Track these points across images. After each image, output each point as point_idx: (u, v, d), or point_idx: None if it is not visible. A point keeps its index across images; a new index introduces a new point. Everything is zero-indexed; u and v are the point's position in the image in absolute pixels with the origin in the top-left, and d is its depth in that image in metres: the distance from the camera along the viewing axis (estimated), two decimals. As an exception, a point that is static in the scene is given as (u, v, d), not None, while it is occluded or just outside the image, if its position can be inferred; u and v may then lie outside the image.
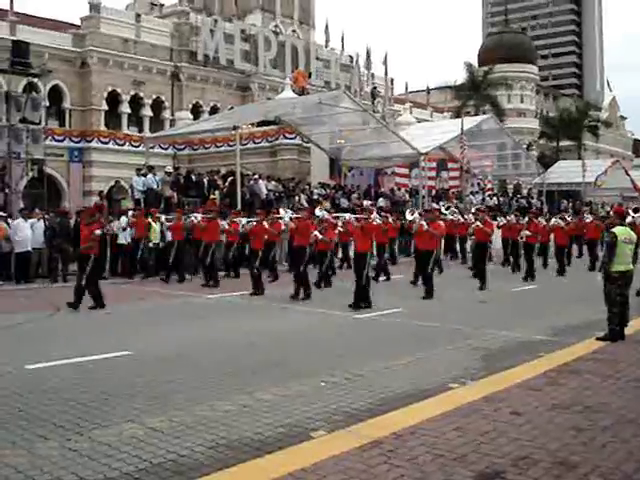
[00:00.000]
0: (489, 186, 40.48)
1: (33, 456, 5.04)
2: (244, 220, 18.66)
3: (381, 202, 30.27)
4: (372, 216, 15.42)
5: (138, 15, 42.91)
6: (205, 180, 27.03)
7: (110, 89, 40.21)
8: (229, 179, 26.76)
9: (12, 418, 6.00)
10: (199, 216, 18.80)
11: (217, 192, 25.87)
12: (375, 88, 50.63)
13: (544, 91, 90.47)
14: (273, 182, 28.86)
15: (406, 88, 59.15)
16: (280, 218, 18.42)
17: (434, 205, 23.45)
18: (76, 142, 39.29)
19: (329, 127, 30.93)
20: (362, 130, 30.91)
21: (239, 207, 22.22)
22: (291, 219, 17.83)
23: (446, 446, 5.19)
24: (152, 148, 33.50)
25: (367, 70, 52.53)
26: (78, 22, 41.31)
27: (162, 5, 51.37)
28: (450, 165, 37.66)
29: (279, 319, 12.51)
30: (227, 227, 19.08)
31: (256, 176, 27.61)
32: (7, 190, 23.97)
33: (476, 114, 51.21)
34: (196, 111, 43.84)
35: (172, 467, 4.89)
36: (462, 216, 24.69)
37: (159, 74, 42.56)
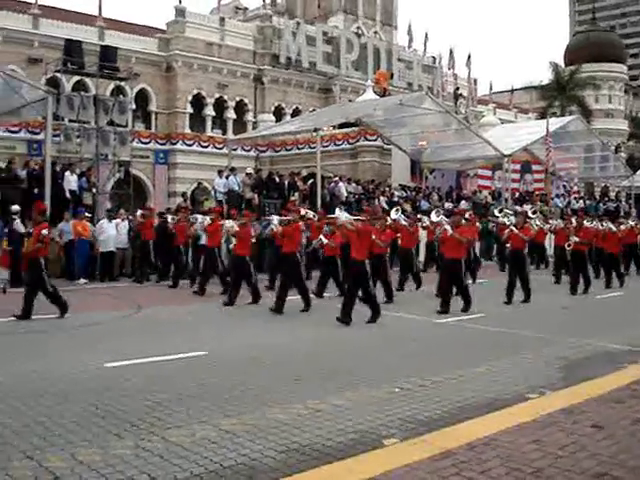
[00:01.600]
0: (575, 189, 39.46)
1: (107, 454, 5.11)
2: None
3: (463, 205, 29.86)
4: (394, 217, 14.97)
5: (222, 19, 43.55)
6: (286, 182, 27.19)
7: (195, 92, 40.95)
8: (310, 181, 26.88)
9: (89, 416, 6.12)
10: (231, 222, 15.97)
11: (297, 194, 25.99)
12: (458, 89, 50.06)
13: (634, 91, 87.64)
14: (353, 184, 28.83)
15: (490, 89, 58.37)
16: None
17: (496, 210, 21.66)
18: (161, 144, 40.19)
19: (410, 129, 30.71)
20: (444, 132, 30.57)
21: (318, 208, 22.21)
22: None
23: (522, 459, 5.02)
24: (235, 150, 33.92)
25: (450, 71, 52.00)
26: (164, 27, 42.20)
27: (246, 9, 52.09)
28: (535, 167, 36.86)
29: (351, 324, 12.41)
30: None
31: (336, 178, 27.64)
32: (95, 191, 24.60)
33: (562, 115, 50.03)
34: (278, 113, 44.22)
35: (242, 470, 4.87)
36: (545, 221, 23.59)
37: (242, 77, 43.10)
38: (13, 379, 7.49)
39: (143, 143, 38.90)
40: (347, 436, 5.63)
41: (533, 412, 6.25)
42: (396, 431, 5.76)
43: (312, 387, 7.31)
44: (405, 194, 29.83)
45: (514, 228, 15.48)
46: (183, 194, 29.71)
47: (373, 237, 13.58)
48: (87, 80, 34.55)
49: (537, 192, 35.91)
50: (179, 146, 40.19)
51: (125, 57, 35.61)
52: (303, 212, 17.68)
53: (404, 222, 17.16)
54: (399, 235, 17.53)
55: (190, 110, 40.93)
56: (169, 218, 18.95)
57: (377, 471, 4.76)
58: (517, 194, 34.50)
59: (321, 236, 15.42)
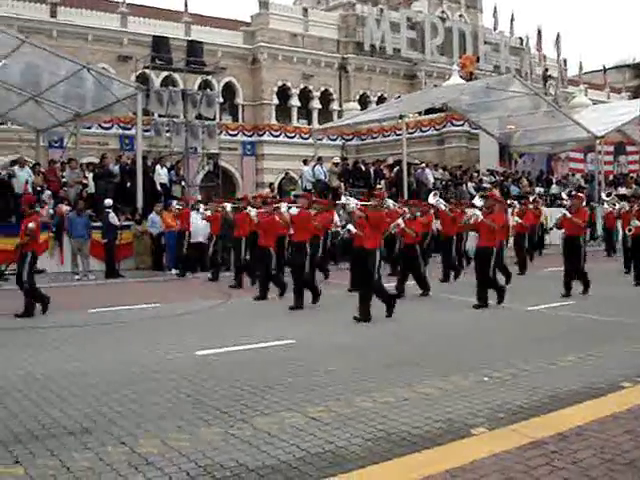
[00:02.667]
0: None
1: (197, 441, 5.21)
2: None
3: (554, 189, 29.16)
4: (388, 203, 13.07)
5: (305, 9, 43.70)
6: (372, 170, 27.13)
7: (280, 83, 41.25)
8: (396, 168, 26.72)
9: (180, 403, 6.26)
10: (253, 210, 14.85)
11: (383, 182, 25.89)
12: (547, 70, 48.81)
13: None
14: (440, 170, 28.52)
15: (580, 69, 56.51)
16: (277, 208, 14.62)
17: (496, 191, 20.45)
18: (249, 136, 40.70)
19: (498, 112, 30.15)
20: (533, 114, 29.88)
21: (405, 196, 22.06)
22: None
23: (615, 450, 4.86)
24: (321, 139, 34.05)
25: (538, 52, 50.72)
26: (248, 20, 42.62)
27: (329, -2, 52.04)
28: (629, 149, 35.67)
29: (437, 311, 12.30)
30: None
31: (423, 165, 27.40)
32: (184, 183, 25.13)
33: (658, 93, 48.15)
34: (363, 101, 44.08)
35: (329, 458, 4.89)
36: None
37: (327, 66, 43.15)
38: (106, 368, 7.73)
39: (231, 135, 39.48)
40: (435, 425, 5.58)
41: (627, 402, 6.04)
42: (484, 420, 5.67)
43: (399, 375, 7.26)
44: (494, 179, 29.33)
45: (567, 212, 13.99)
46: (270, 185, 30.09)
47: (401, 224, 13.47)
48: (175, 75, 35.25)
49: (632, 174, 34.72)
50: (266, 137, 40.61)
51: (211, 51, 36.12)
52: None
53: (443, 207, 16.55)
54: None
55: (276, 101, 41.26)
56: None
57: (465, 460, 4.70)
58: (611, 177, 33.44)
59: (349, 225, 14.92)
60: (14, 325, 10.83)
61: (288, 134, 41.05)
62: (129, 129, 33.10)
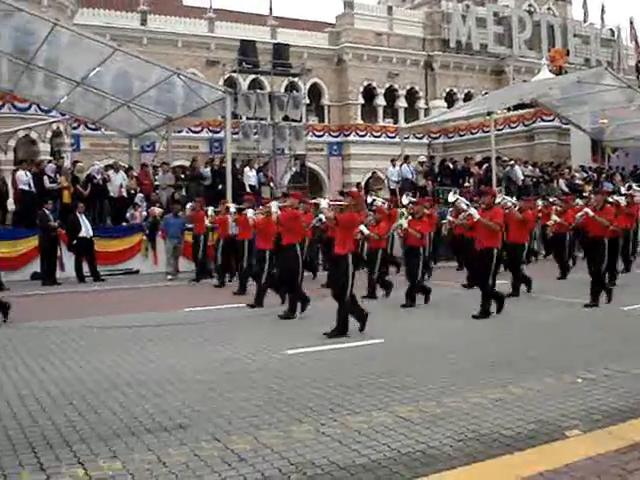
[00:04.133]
0: None
1: (289, 438, 5.28)
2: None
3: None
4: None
5: (390, 8, 43.50)
6: (460, 167, 26.84)
7: (365, 83, 41.23)
8: (484, 166, 26.35)
9: (271, 401, 6.35)
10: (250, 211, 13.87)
11: (471, 179, 25.58)
12: (640, 62, 47.18)
13: None
14: (530, 167, 27.97)
15: (677, 59, 54.42)
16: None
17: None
18: (335, 136, 40.85)
19: (590, 107, 29.32)
20: (627, 108, 28.91)
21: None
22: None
23: None
24: (407, 138, 33.85)
25: (631, 43, 49.08)
26: (333, 20, 42.77)
27: (414, -4, 51.68)
28: None
29: (529, 310, 12.07)
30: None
31: (512, 162, 26.92)
32: (272, 185, 25.43)
33: None
34: (450, 99, 43.63)
35: (420, 457, 4.87)
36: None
37: (412, 65, 42.89)
38: (200, 366, 7.90)
39: (317, 136, 39.70)
40: (527, 426, 5.48)
41: None
42: (579, 422, 5.54)
43: (490, 375, 7.17)
44: (586, 175, 28.56)
45: (589, 211, 12.57)
46: (357, 184, 30.07)
47: (404, 225, 12.90)
48: (262, 78, 35.70)
49: None
50: (352, 137, 40.68)
51: (297, 53, 36.47)
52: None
53: (464, 206, 15.79)
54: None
55: (361, 101, 41.26)
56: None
57: (559, 463, 4.61)
58: None
59: (321, 215, 13.46)
60: (108, 324, 11.18)
61: (374, 134, 41.00)
62: (218, 132, 33.78)
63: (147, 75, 20.44)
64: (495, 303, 11.36)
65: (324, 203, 10.60)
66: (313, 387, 6.81)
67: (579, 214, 13.05)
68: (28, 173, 20.11)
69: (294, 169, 34.54)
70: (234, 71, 33.37)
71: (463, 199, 14.50)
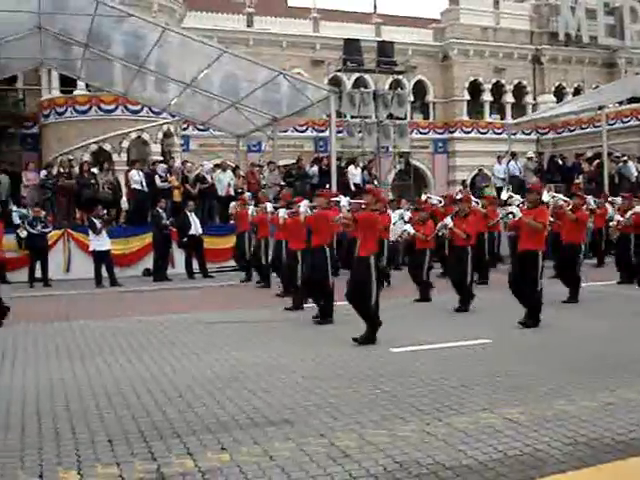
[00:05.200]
0: None
1: (393, 437, 5.26)
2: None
3: None
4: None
5: (496, 2, 42.63)
6: (569, 164, 26.12)
7: (471, 79, 40.59)
8: (595, 162, 25.55)
9: (376, 399, 6.35)
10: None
11: (582, 176, 24.84)
12: None
13: None
14: (644, 163, 26.90)
15: None
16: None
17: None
18: (440, 133, 40.42)
19: None
20: None
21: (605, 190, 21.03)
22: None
23: None
24: (514, 134, 33.16)
25: None
26: (438, 17, 42.35)
27: (520, -11, 50.52)
28: None
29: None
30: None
31: (625, 157, 25.97)
32: (376, 183, 25.43)
33: None
34: (559, 93, 42.41)
35: (527, 460, 4.76)
36: None
37: (520, 59, 41.92)
38: (304, 362, 7.99)
39: (422, 133, 39.41)
40: (642, 432, 5.29)
41: None
42: (698, 428, 5.30)
43: (600, 378, 6.95)
44: None
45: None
46: (463, 182, 29.75)
47: (449, 224, 12.21)
48: (366, 76, 35.72)
49: None
50: (457, 134, 40.15)
51: (401, 51, 36.24)
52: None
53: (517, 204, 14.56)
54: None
55: (467, 97, 40.65)
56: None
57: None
58: None
59: (406, 226, 13.46)
60: (215, 319, 11.44)
61: (480, 130, 40.35)
62: (323, 131, 33.99)
63: (253, 76, 20.77)
64: (531, 315, 10.23)
65: (344, 201, 9.92)
66: (418, 386, 6.77)
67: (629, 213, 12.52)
68: (140, 173, 20.87)
69: (398, 167, 34.44)
70: (339, 70, 33.52)
71: (518, 197, 13.87)
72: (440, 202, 17.00)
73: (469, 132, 40.29)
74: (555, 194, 13.96)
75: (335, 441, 5.18)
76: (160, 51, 19.88)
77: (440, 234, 12.75)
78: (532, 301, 10.24)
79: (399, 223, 13.87)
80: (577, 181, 24.08)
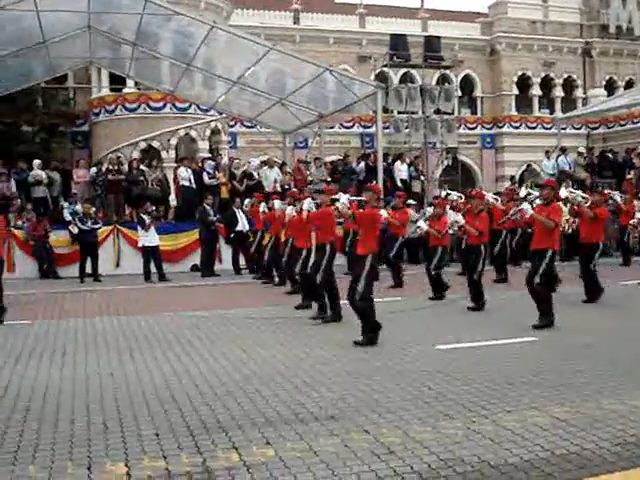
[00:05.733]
0: None
1: (438, 434, 5.24)
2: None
3: None
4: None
5: (547, -5, 42.07)
6: (620, 159, 25.65)
7: (520, 73, 40.08)
8: (648, 157, 25.07)
9: (420, 395, 6.32)
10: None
11: (633, 172, 24.36)
12: None
13: None
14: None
15: None
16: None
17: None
18: (488, 128, 40.01)
19: None
20: None
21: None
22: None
23: None
24: (564, 129, 32.69)
25: None
26: (485, 10, 41.87)
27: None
28: None
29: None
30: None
31: (678, 152, 25.43)
32: (423, 179, 25.30)
33: None
34: (610, 87, 41.61)
35: (574, 460, 4.70)
36: None
37: (569, 53, 41.25)
38: (349, 358, 8.01)
39: (469, 129, 39.05)
40: (694, 432, 5.18)
41: None
42: None
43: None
44: None
45: None
46: (511, 178, 29.42)
47: (461, 221, 11.93)
48: (413, 72, 35.52)
49: None
50: (506, 129, 39.69)
51: (448, 45, 35.96)
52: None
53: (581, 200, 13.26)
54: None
55: (516, 92, 40.14)
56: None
57: None
58: None
59: (420, 222, 13.17)
60: (262, 314, 11.50)
61: (529, 125, 39.83)
62: (369, 127, 33.92)
63: (300, 73, 20.82)
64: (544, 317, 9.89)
65: (344, 198, 9.64)
66: (464, 383, 6.73)
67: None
68: (188, 170, 21.09)
69: (446, 162, 34.21)
70: (385, 66, 33.40)
71: (536, 193, 13.33)
72: (460, 198, 16.70)
73: (518, 127, 39.82)
74: (573, 190, 13.47)
75: (379, 437, 5.17)
76: (207, 49, 20.05)
77: (451, 232, 12.47)
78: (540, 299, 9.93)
79: (421, 220, 13.57)
80: (629, 177, 23.65)
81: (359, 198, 9.97)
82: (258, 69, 20.50)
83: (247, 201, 18.16)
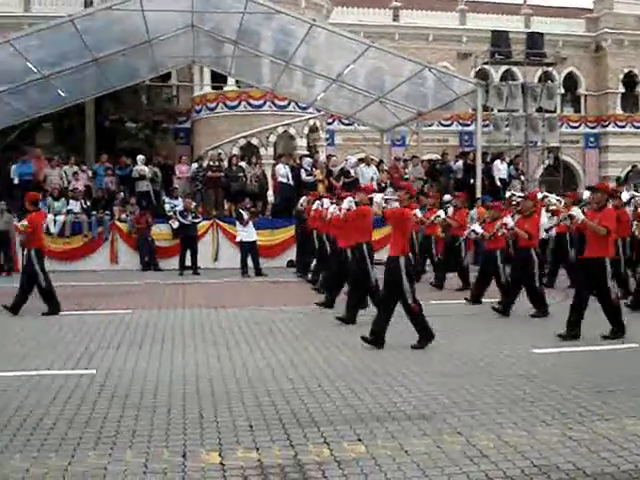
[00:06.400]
0: None
1: (533, 439, 5.13)
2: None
3: None
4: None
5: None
6: None
7: (626, 70, 38.72)
8: None
9: (516, 399, 6.20)
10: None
11: None
12: None
13: None
14: None
15: None
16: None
17: None
18: (592, 127, 38.86)
19: None
20: None
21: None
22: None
23: None
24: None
25: None
26: (590, 6, 40.61)
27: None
28: None
29: None
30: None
31: None
32: (523, 178, 24.80)
33: None
34: None
35: (676, 471, 4.54)
36: None
37: (681, 49, 39.62)
38: (442, 359, 7.95)
39: (572, 127, 38.01)
40: None
41: None
42: None
43: None
44: None
45: None
46: (617, 179, 28.49)
47: (509, 223, 11.34)
48: (514, 69, 34.88)
49: None
50: (611, 128, 38.44)
51: (551, 42, 35.07)
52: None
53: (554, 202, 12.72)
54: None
55: (622, 90, 38.83)
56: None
57: None
58: None
59: (474, 226, 12.60)
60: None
61: (635, 124, 38.47)
62: (468, 125, 33.52)
63: (399, 70, 20.75)
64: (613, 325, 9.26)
65: (378, 197, 9.41)
66: (560, 388, 6.57)
67: None
68: (286, 166, 21.34)
69: (547, 162, 33.37)
70: (486, 63, 32.89)
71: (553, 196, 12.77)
72: (559, 202, 16.04)
73: (623, 126, 38.53)
74: (636, 193, 12.65)
75: (472, 440, 5.11)
76: (307, 47, 20.23)
77: (500, 234, 11.88)
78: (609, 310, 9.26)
79: (475, 224, 13.09)
80: None
81: (393, 197, 9.57)
82: (357, 67, 20.54)
83: (303, 198, 18.12)
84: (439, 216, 14.95)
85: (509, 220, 11.68)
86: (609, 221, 9.21)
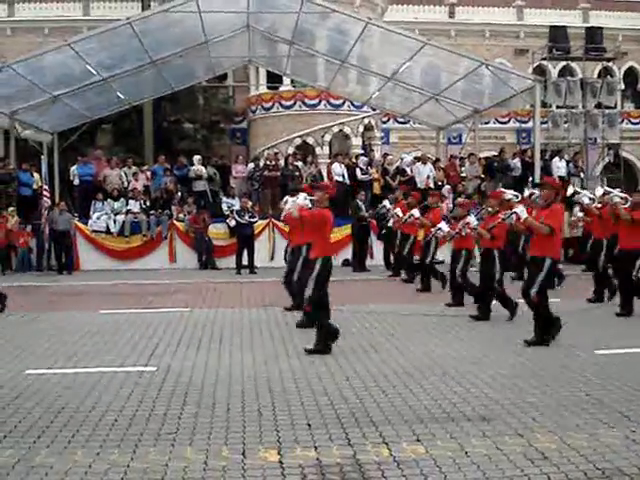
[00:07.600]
0: None
1: (596, 442, 5.02)
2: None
3: None
4: None
5: None
6: None
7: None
8: None
9: (578, 401, 6.09)
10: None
11: None
12: None
13: None
14: None
15: None
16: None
17: None
18: (653, 123, 38.02)
19: None
20: None
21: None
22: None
23: None
24: None
25: None
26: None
27: None
28: None
29: None
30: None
31: None
32: (583, 175, 24.36)
33: None
34: None
35: None
36: None
37: None
38: (501, 359, 7.85)
39: (633, 124, 37.23)
40: None
41: None
42: None
43: None
44: None
45: None
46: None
47: (472, 222, 10.98)
48: (573, 64, 34.33)
49: None
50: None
51: (611, 36, 34.39)
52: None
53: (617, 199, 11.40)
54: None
55: (685, 84, 37.90)
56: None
57: None
58: None
59: (441, 224, 12.51)
60: (404, 311, 11.46)
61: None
62: (526, 122, 33.05)
63: (455, 67, 20.57)
64: (540, 329, 8.71)
65: (301, 197, 8.97)
66: (624, 390, 6.43)
67: None
68: (342, 165, 21.37)
69: (607, 159, 32.75)
70: (544, 58, 32.37)
71: (586, 192, 12.29)
72: (517, 197, 15.57)
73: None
74: (609, 189, 12.07)
75: (533, 442, 5.03)
76: (362, 45, 20.21)
77: (464, 233, 11.43)
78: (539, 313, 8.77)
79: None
80: None
81: (311, 198, 9.11)
82: (412, 64, 20.44)
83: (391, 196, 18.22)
84: (412, 215, 14.73)
85: (472, 219, 11.32)
86: (553, 220, 8.62)
